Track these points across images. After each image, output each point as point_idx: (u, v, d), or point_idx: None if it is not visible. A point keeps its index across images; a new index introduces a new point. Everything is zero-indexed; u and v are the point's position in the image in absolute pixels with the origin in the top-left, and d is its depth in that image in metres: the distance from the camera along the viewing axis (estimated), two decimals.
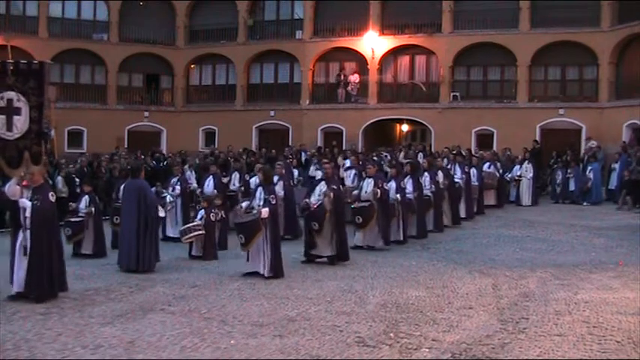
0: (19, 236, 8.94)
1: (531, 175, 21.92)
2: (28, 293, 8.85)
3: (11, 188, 9.06)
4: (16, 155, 8.93)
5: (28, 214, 8.86)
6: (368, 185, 13.31)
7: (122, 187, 12.70)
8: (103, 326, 7.75)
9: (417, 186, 14.97)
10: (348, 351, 6.95)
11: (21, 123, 8.91)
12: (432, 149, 25.61)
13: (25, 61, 9.36)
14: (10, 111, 8.91)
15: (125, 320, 8.04)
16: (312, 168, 20.77)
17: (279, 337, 7.39)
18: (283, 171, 15.83)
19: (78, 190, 16.20)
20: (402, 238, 13.93)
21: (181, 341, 7.21)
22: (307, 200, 11.97)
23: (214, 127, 31.22)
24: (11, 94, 8.93)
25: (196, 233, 12.40)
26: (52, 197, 9.20)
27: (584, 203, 21.59)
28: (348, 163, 19.71)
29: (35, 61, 9.59)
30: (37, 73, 9.20)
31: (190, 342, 7.19)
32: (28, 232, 8.86)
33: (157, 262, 11.40)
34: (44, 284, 8.89)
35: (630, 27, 25.03)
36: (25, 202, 8.90)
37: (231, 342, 7.19)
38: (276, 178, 14.45)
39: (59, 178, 18.20)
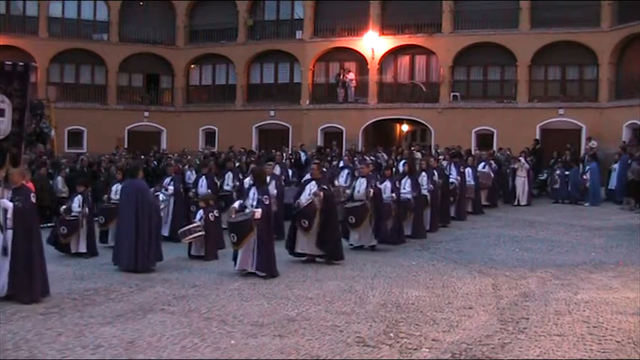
0: None
1: (525, 174, 21.84)
2: (14, 295, 8.79)
3: None
4: None
5: (10, 215, 8.82)
6: (361, 185, 13.29)
7: (120, 187, 12.71)
8: (103, 326, 7.74)
9: (416, 186, 14.98)
10: (348, 351, 6.95)
11: (4, 125, 8.85)
12: (432, 149, 25.60)
13: (9, 63, 9.29)
14: None
15: (125, 320, 8.03)
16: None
17: (279, 337, 7.39)
18: (274, 171, 15.84)
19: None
20: (395, 238, 13.86)
21: (181, 341, 7.21)
22: (299, 201, 11.98)
23: (214, 127, 31.23)
24: None
25: (197, 234, 12.40)
26: (33, 198, 9.15)
27: (586, 204, 21.56)
28: (341, 162, 19.69)
29: (20, 63, 9.52)
30: (22, 75, 9.14)
31: (190, 342, 7.19)
32: (10, 232, 8.82)
33: (157, 262, 11.38)
34: (28, 285, 8.84)
35: (630, 27, 25.05)
36: (7, 203, 8.86)
37: (231, 342, 7.19)
38: (268, 178, 14.46)
39: (59, 178, 18.19)
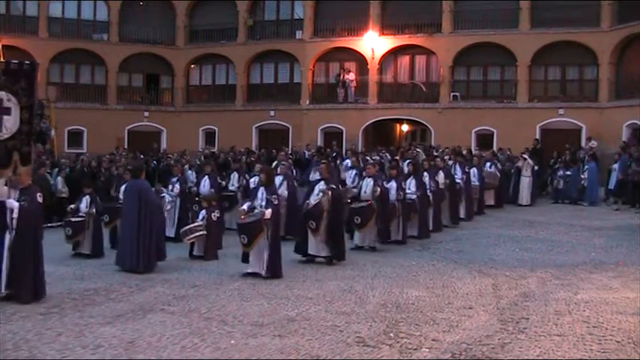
0: (5, 238, 8.80)
1: (530, 173, 21.84)
2: (17, 295, 8.79)
3: None
4: (5, 156, 8.89)
5: (15, 214, 8.79)
6: (367, 185, 13.30)
7: (123, 187, 12.71)
8: (103, 326, 7.74)
9: (420, 186, 14.98)
10: (348, 351, 6.95)
11: (10, 123, 8.85)
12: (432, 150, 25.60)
13: (15, 61, 9.30)
14: (0, 111, 8.86)
15: (125, 320, 8.03)
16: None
17: (279, 337, 7.39)
18: (288, 171, 15.80)
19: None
20: (400, 238, 13.92)
21: (181, 341, 7.21)
22: (308, 201, 11.97)
23: (214, 127, 31.23)
24: (1, 94, 8.87)
25: (198, 234, 12.40)
26: (39, 198, 9.12)
27: (584, 204, 21.54)
28: (348, 163, 19.71)
29: (26, 62, 9.53)
30: (28, 74, 9.15)
31: (190, 342, 7.19)
32: (14, 232, 8.79)
33: (158, 261, 11.37)
34: (33, 285, 8.84)
35: (630, 27, 25.05)
36: (13, 203, 8.83)
37: (231, 342, 7.19)
38: (280, 178, 14.44)
39: (59, 179, 18.19)
